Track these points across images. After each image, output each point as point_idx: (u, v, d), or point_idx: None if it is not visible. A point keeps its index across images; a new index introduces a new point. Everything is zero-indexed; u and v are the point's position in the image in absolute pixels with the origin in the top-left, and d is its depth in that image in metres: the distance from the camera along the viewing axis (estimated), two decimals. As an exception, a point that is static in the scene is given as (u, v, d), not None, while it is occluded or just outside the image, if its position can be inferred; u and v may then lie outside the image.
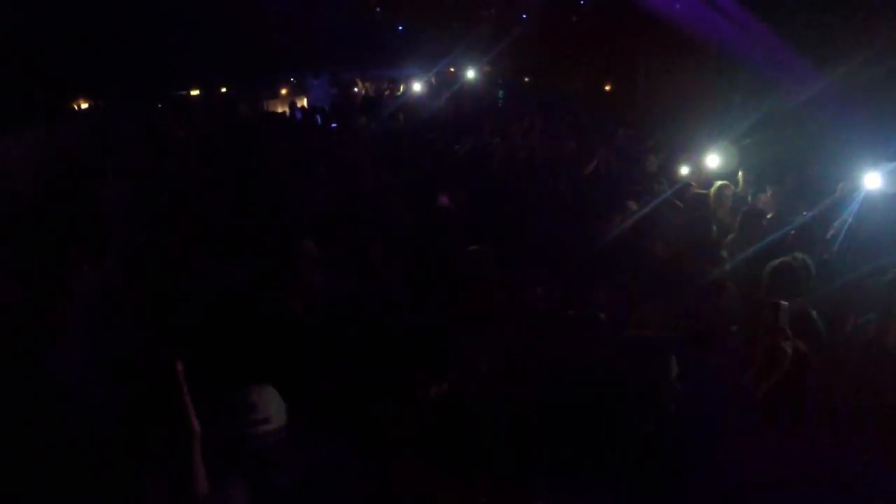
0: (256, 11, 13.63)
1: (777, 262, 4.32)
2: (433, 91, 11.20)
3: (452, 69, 12.86)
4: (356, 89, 11.50)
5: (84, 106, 14.39)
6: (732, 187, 7.11)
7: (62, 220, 6.78)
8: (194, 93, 15.88)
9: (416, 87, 11.24)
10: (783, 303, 2.45)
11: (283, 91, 17.39)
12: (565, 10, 14.35)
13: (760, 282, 4.32)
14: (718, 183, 7.02)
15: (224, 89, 16.45)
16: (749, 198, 7.28)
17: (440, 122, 10.66)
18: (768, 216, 6.19)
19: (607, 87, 15.47)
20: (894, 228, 5.78)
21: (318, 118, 13.01)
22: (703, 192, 6.90)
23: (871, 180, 6.01)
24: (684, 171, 7.62)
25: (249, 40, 13.16)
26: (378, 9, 13.52)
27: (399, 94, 11.32)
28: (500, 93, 14.03)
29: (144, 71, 12.15)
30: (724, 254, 5.08)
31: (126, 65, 11.42)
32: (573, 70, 14.79)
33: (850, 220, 5.99)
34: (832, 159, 7.69)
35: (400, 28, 14.28)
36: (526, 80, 16.21)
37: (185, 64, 12.91)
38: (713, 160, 7.23)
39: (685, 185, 6.88)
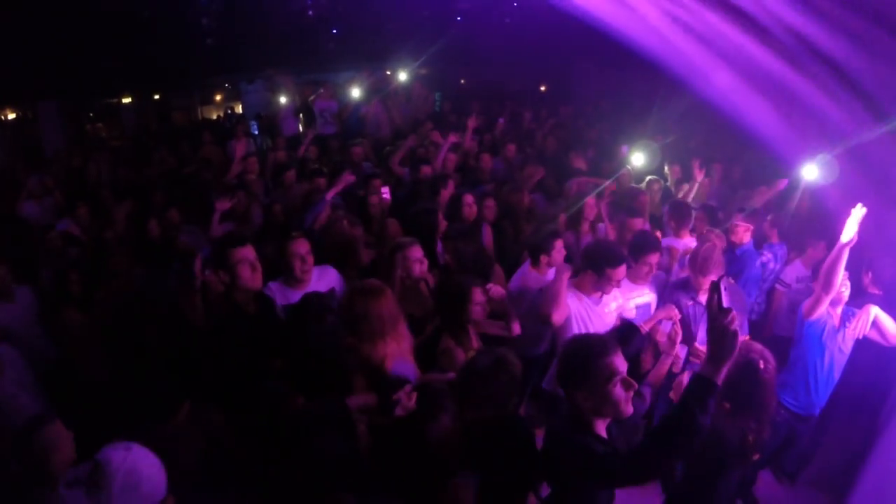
0: (189, 16, 13.39)
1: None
2: (366, 95, 11.20)
3: (389, 72, 12.88)
4: (284, 96, 11.37)
5: (11, 116, 13.95)
6: (662, 181, 7.40)
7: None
8: (126, 100, 15.52)
9: (352, 91, 11.20)
10: (724, 281, 2.32)
11: (218, 97, 17.18)
12: (499, 13, 14.52)
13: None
14: (648, 178, 7.30)
15: (157, 96, 16.16)
16: (673, 189, 7.62)
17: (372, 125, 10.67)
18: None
19: (542, 88, 15.79)
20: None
21: (254, 125, 12.90)
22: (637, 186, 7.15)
23: (809, 171, 6.18)
24: (614, 166, 7.86)
25: (182, 45, 12.91)
26: (311, 12, 13.43)
27: (333, 98, 11.23)
28: (437, 95, 14.13)
29: (75, 78, 11.83)
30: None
31: (55, 72, 11.09)
32: (509, 71, 15.01)
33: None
34: (752, 153, 8.06)
35: (334, 31, 14.22)
36: (462, 81, 16.39)
37: (117, 70, 12.59)
38: (639, 157, 7.47)
39: (616, 178, 7.11)
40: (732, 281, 5.06)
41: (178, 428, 3.07)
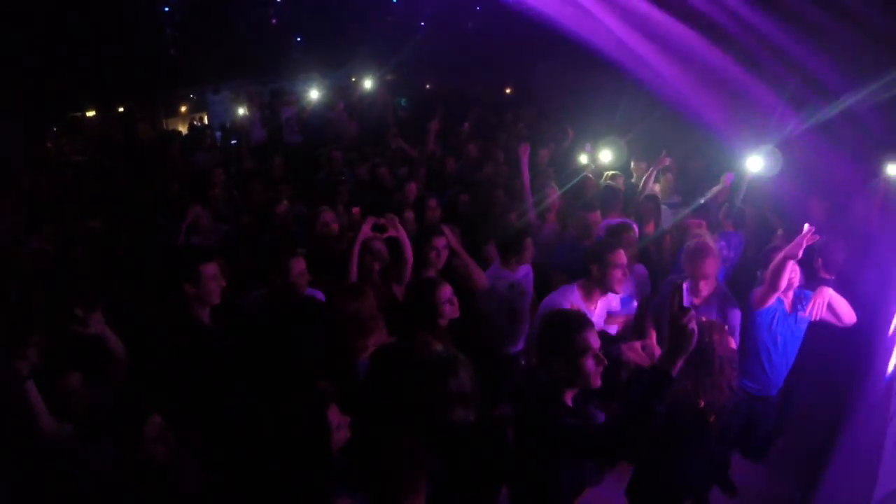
0: (152, 27, 13.30)
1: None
2: (328, 100, 11.24)
3: (354, 78, 12.92)
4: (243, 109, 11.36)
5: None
6: (624, 177, 7.57)
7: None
8: (90, 114, 15.33)
9: (309, 94, 11.21)
10: (684, 282, 2.50)
11: (183, 108, 17.00)
12: (462, 17, 14.64)
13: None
14: (609, 173, 7.44)
15: (121, 109, 15.97)
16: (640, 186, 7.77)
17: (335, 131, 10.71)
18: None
19: (507, 91, 15.93)
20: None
21: (218, 135, 12.83)
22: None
23: (754, 163, 6.36)
24: (582, 162, 8.00)
25: (146, 57, 12.82)
26: (274, 20, 13.42)
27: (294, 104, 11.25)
28: (402, 100, 14.18)
29: (36, 93, 11.66)
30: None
31: (16, 87, 10.93)
32: (474, 74, 15.10)
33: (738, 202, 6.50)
34: (708, 149, 8.28)
35: (298, 39, 14.21)
36: (427, 86, 16.45)
37: (80, 84, 12.45)
38: (605, 154, 7.62)
39: (584, 176, 7.22)
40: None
41: (172, 454, 3.10)
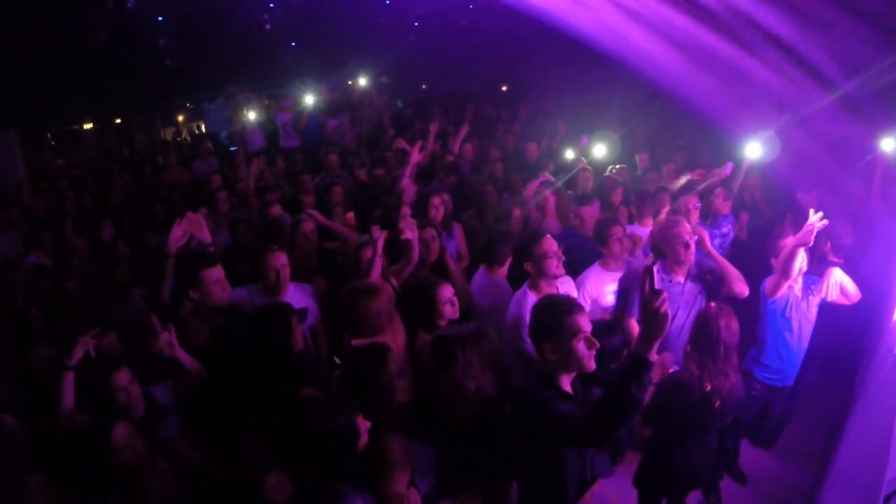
0: (147, 37, 13.28)
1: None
2: (326, 105, 11.24)
3: (350, 82, 12.91)
4: (247, 112, 11.33)
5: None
6: (629, 169, 7.56)
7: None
8: (87, 126, 15.33)
9: (305, 100, 11.18)
10: (655, 266, 2.48)
11: (180, 117, 16.99)
12: (455, 16, 14.60)
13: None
14: (617, 166, 7.43)
15: (118, 120, 15.98)
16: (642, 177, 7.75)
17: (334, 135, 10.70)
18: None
19: (504, 88, 15.93)
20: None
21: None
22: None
23: (752, 150, 6.38)
24: (571, 156, 7.98)
25: (141, 68, 12.80)
26: (268, 26, 13.39)
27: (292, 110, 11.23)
28: (399, 102, 14.16)
29: (33, 106, 11.66)
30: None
31: (12, 100, 10.92)
32: (469, 72, 15.08)
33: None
34: (716, 140, 8.25)
35: (293, 44, 14.20)
36: (423, 87, 16.43)
37: (76, 96, 12.43)
38: (598, 148, 7.60)
39: (581, 169, 7.20)
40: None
41: (144, 461, 3.09)
